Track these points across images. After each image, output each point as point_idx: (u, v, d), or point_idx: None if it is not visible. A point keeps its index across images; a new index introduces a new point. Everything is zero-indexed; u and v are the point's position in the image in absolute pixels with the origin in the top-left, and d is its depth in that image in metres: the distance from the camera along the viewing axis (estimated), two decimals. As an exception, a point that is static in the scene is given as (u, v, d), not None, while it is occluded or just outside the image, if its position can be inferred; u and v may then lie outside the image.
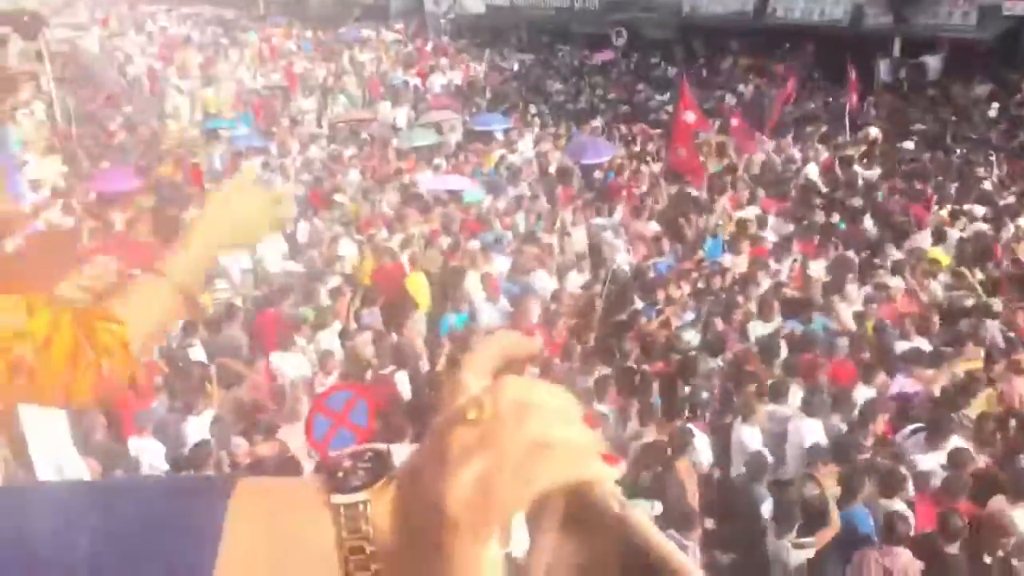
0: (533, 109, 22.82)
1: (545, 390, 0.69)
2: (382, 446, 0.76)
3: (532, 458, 0.65)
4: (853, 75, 17.51)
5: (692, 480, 6.56)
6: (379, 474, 0.71)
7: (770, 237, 11.60)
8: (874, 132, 16.34)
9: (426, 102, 24.11)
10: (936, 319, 8.72)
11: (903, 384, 7.62)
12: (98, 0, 70.93)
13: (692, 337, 8.78)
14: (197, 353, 8.90)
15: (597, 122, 19.93)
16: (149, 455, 7.16)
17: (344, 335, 9.15)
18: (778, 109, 17.44)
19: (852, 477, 6.10)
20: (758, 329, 8.83)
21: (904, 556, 5.39)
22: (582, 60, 30.73)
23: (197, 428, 7.41)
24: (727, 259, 10.79)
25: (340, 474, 0.71)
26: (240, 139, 19.10)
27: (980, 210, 12.13)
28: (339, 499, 0.70)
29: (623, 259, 11.22)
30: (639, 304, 9.65)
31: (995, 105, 18.50)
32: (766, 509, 6.42)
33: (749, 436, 6.99)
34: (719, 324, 8.95)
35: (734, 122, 16.42)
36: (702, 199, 13.14)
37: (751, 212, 12.48)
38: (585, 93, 25.28)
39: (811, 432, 6.88)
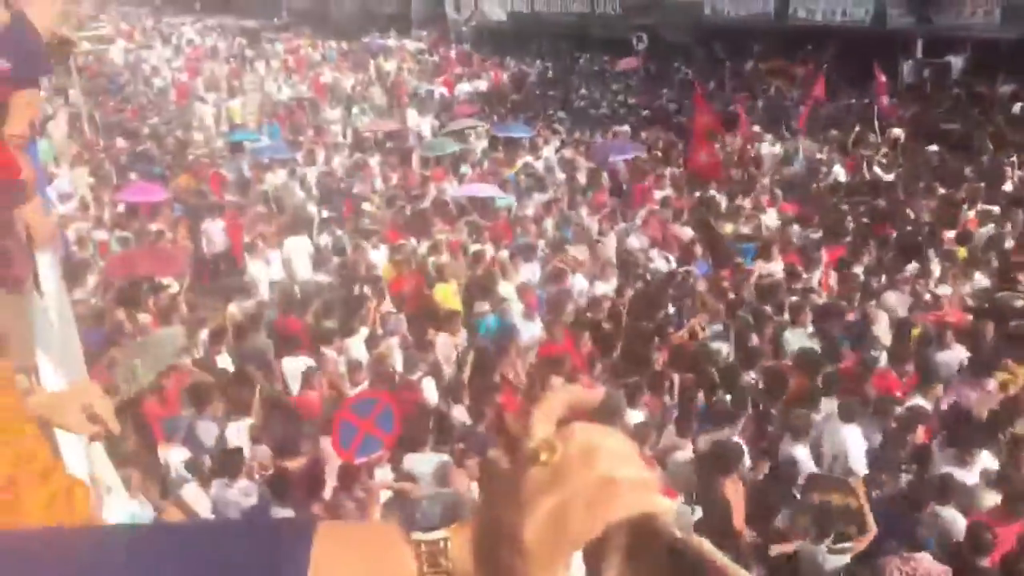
0: (554, 115, 22.90)
1: (608, 435, 0.78)
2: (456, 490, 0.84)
3: (601, 494, 0.74)
4: (883, 77, 17.43)
5: (739, 497, 6.51)
6: (456, 514, 0.78)
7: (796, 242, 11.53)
8: (896, 132, 16.22)
9: (450, 111, 24.24)
10: (989, 326, 8.50)
11: (963, 395, 7.50)
12: (123, 13, 71.75)
13: (721, 347, 8.71)
14: (223, 361, 9.01)
15: (624, 127, 19.89)
16: (179, 463, 7.25)
17: (371, 341, 9.22)
18: (808, 109, 17.37)
19: (917, 488, 6.10)
20: (792, 338, 8.71)
21: (925, 561, 5.37)
22: (603, 66, 30.74)
23: (233, 435, 7.54)
24: (759, 265, 10.69)
25: (418, 515, 0.79)
26: (265, 150, 19.25)
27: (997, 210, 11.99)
28: (420, 536, 0.78)
29: (661, 265, 11.20)
30: (669, 310, 9.65)
31: (1019, 105, 18.29)
32: (785, 515, 6.40)
33: (804, 456, 6.81)
34: (753, 337, 8.81)
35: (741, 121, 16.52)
36: (723, 203, 13.14)
37: (773, 215, 12.42)
38: (607, 99, 25.28)
39: (852, 439, 6.84)
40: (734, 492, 6.46)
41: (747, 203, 12.90)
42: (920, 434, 6.92)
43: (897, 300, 9.39)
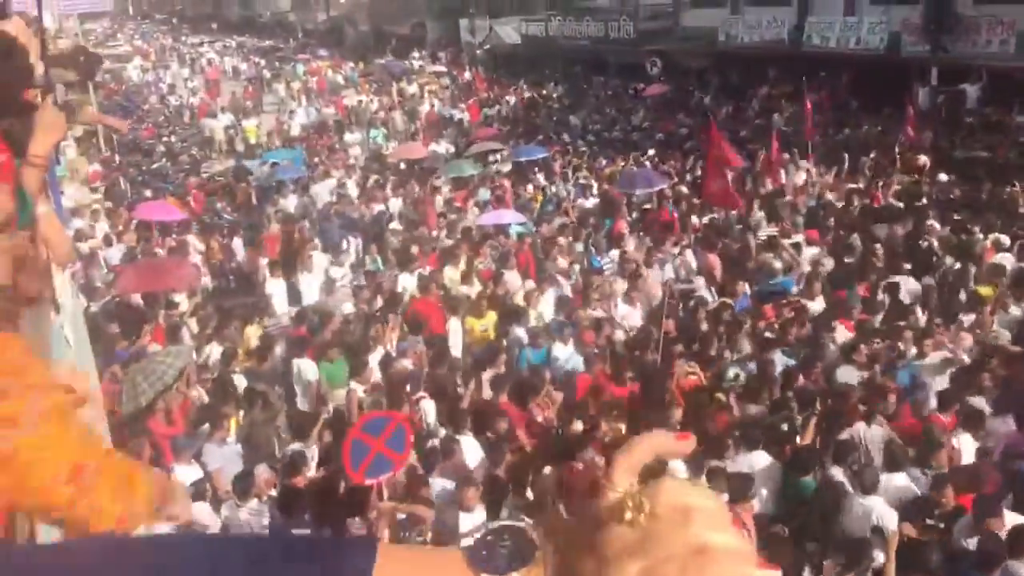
0: (567, 138, 22.93)
1: (700, 494, 0.73)
2: (523, 524, 0.80)
3: (695, 561, 0.69)
4: (911, 109, 17.39)
5: (751, 524, 6.48)
6: (526, 555, 0.76)
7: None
8: (923, 159, 16.16)
9: (471, 133, 24.38)
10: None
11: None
12: (140, 31, 72.44)
13: (737, 373, 8.60)
14: (238, 380, 9.01)
15: (650, 152, 19.77)
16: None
17: (385, 362, 9.20)
18: (808, 133, 17.25)
19: (990, 543, 5.80)
20: (844, 374, 8.50)
21: None
22: (616, 90, 30.82)
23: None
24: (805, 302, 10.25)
25: (484, 552, 0.76)
26: (282, 171, 19.30)
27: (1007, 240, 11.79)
28: None
29: (705, 296, 10.98)
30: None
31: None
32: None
33: (883, 511, 6.49)
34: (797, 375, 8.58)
35: (772, 148, 16.48)
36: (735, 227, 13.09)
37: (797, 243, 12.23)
38: (620, 123, 25.29)
39: (900, 486, 6.70)
40: (749, 520, 6.43)
41: (772, 231, 12.76)
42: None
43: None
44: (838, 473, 6.96)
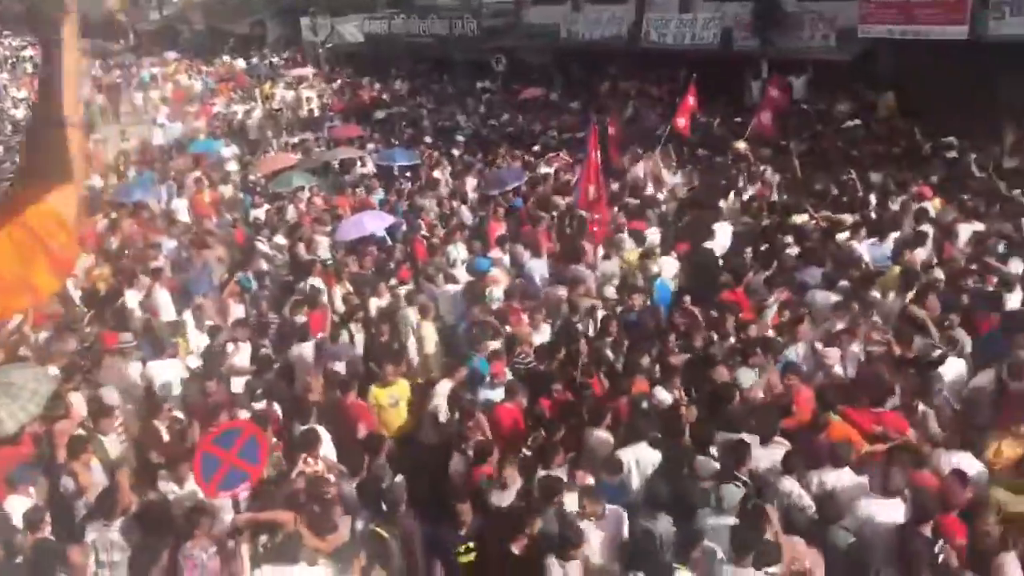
0: (429, 139, 22.53)
1: None
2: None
3: None
4: (774, 92, 17.82)
5: None
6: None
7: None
8: (742, 145, 16.69)
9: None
10: None
11: None
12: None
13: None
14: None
15: (564, 155, 18.62)
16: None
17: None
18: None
19: None
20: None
21: None
22: (461, 87, 30.83)
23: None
24: None
25: None
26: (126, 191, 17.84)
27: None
28: None
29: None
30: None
31: (857, 121, 19.33)
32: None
33: None
34: None
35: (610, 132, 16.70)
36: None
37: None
38: (472, 120, 25.23)
39: None
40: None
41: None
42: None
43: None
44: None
